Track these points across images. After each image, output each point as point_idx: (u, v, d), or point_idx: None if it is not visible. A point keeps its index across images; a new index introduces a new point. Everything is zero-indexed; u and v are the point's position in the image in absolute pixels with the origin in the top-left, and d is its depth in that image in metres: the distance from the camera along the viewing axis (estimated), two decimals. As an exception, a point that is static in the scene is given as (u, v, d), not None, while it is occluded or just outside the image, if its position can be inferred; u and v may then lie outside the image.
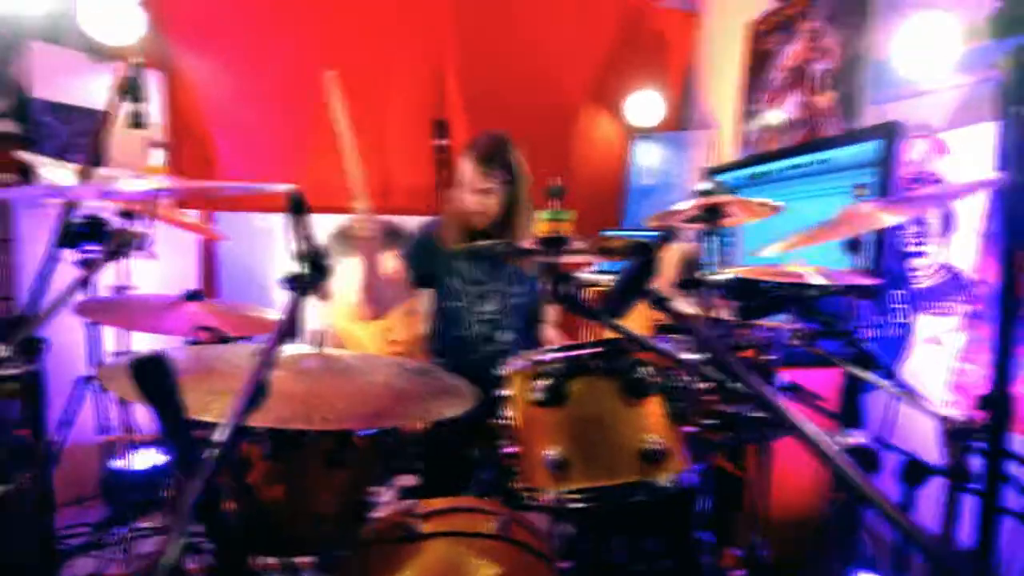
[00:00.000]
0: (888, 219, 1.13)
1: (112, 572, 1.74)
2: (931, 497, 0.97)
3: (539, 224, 0.82)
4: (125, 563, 1.72)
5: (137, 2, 2.24)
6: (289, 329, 0.66)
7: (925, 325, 1.81)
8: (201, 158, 2.63)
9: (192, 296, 1.42)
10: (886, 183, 1.80)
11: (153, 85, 2.45)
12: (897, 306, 1.89)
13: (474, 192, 1.66)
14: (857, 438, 0.51)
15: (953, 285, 1.72)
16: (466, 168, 1.68)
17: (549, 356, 0.91)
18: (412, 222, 2.90)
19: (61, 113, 2.24)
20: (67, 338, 1.36)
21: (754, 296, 0.99)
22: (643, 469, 0.84)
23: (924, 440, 1.13)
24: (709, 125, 3.12)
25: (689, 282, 0.81)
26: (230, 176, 2.67)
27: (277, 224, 2.71)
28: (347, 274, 2.80)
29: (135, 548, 1.78)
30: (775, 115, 2.57)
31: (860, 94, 2.11)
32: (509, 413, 0.99)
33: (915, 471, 1.13)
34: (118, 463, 2.10)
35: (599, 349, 0.72)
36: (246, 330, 1.39)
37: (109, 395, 2.02)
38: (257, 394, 0.52)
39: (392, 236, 2.49)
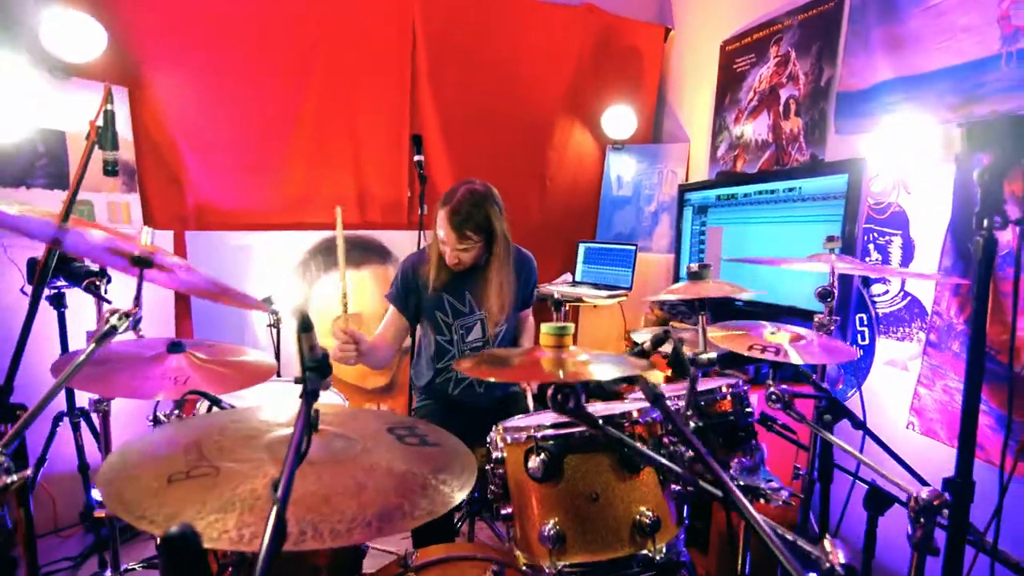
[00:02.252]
0: (847, 270, 1.20)
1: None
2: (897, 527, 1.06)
3: (545, 338, 0.84)
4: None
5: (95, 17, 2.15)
6: (305, 444, 0.68)
7: (886, 349, 1.93)
8: (168, 177, 2.55)
9: (174, 347, 1.39)
10: (851, 216, 1.89)
11: (117, 101, 2.36)
12: (860, 329, 2.00)
13: (453, 249, 1.67)
14: (839, 556, 0.55)
15: (912, 313, 1.84)
16: (442, 226, 1.65)
17: (543, 433, 0.95)
18: (388, 237, 2.90)
19: (20, 135, 2.13)
20: (42, 370, 1.33)
21: (737, 362, 1.06)
22: (637, 541, 0.89)
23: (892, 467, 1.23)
24: (681, 139, 3.19)
25: (680, 366, 0.84)
26: (199, 194, 2.60)
27: (252, 241, 2.66)
28: (327, 293, 2.79)
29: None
30: (744, 134, 2.65)
31: (825, 123, 2.19)
32: (502, 474, 1.03)
33: (878, 500, 1.23)
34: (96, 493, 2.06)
35: (595, 426, 0.76)
36: (236, 383, 1.37)
37: (83, 429, 1.98)
38: (279, 538, 0.54)
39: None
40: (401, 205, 2.94)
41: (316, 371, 0.77)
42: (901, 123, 1.84)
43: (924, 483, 0.97)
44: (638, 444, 0.81)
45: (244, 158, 2.64)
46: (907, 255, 1.85)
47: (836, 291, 1.27)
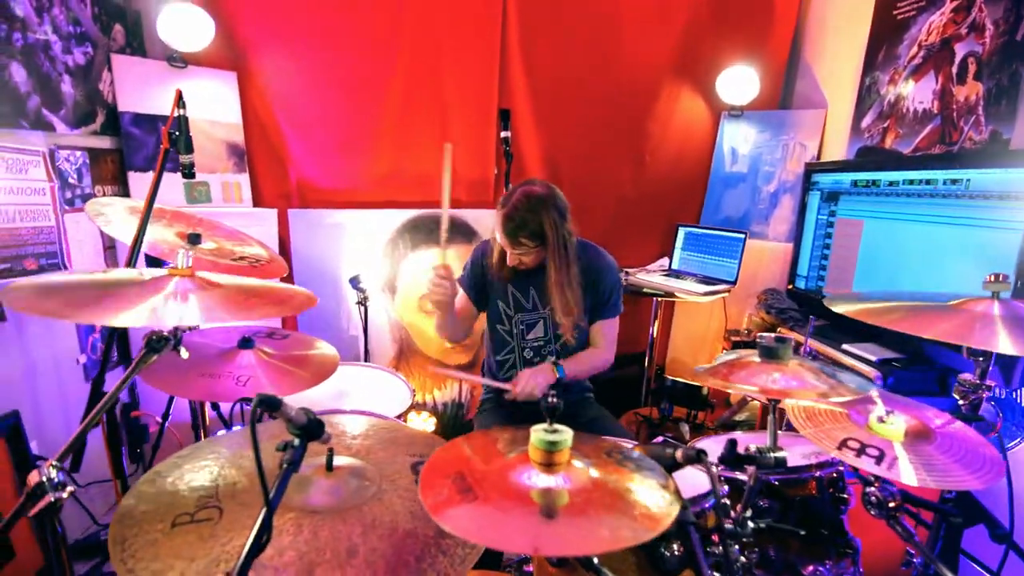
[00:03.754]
0: (1006, 346, 0.84)
1: None
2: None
3: (534, 452, 0.70)
4: None
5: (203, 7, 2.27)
6: (265, 539, 0.63)
7: (1068, 398, 1.48)
8: (273, 157, 2.69)
9: (244, 343, 1.46)
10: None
11: (228, 86, 2.52)
12: (1032, 368, 1.55)
13: (510, 253, 1.58)
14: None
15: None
16: (497, 229, 1.60)
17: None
18: (474, 216, 2.84)
19: (146, 124, 2.36)
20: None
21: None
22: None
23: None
24: (817, 104, 2.66)
25: (735, 460, 0.67)
26: (300, 172, 2.72)
27: (345, 219, 2.75)
28: (413, 270, 2.84)
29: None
30: (900, 98, 2.12)
31: (1018, 91, 1.66)
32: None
33: None
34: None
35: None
36: (299, 382, 1.40)
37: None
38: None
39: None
40: (488, 183, 2.85)
41: (302, 438, 0.73)
42: None
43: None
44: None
45: (338, 136, 2.70)
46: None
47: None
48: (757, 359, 0.86)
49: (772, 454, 0.72)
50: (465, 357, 3.00)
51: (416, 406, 2.64)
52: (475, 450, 0.81)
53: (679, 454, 0.66)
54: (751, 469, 0.73)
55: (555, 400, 0.67)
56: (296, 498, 0.87)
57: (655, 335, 2.79)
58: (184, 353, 1.05)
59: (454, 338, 1.84)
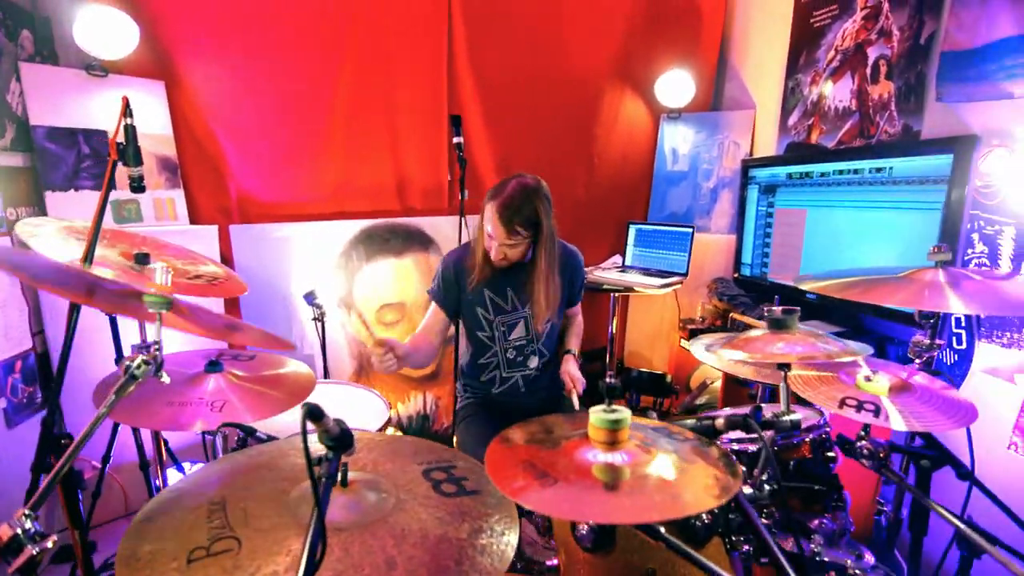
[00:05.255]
0: (957, 307, 0.97)
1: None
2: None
3: (595, 432, 0.72)
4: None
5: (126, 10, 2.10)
6: (320, 553, 0.60)
7: (987, 355, 1.68)
8: (210, 170, 2.53)
9: (211, 367, 1.37)
10: (955, 205, 1.62)
11: (155, 96, 2.34)
12: (956, 331, 1.75)
13: (500, 245, 1.57)
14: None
15: None
16: (490, 220, 1.59)
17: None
18: (429, 223, 2.81)
19: (64, 138, 2.15)
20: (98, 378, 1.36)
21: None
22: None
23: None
24: (746, 105, 2.88)
25: (747, 427, 0.71)
26: (240, 186, 2.57)
27: (292, 232, 2.63)
28: (370, 283, 2.75)
29: None
30: (822, 98, 2.34)
31: (923, 88, 1.88)
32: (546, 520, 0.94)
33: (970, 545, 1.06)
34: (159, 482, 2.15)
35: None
36: (275, 404, 1.33)
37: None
38: None
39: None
40: (442, 190, 2.83)
41: (336, 449, 0.69)
42: (1025, 90, 1.53)
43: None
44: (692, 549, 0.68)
45: (281, 146, 2.58)
46: (1021, 250, 1.58)
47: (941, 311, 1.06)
48: (758, 332, 0.93)
49: (787, 417, 0.77)
50: (427, 369, 2.94)
51: (383, 421, 2.56)
52: (527, 441, 0.84)
53: (720, 422, 0.70)
54: (769, 433, 0.77)
55: (613, 380, 0.69)
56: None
57: (614, 330, 2.88)
58: (165, 378, 0.96)
59: (424, 364, 1.80)
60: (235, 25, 2.37)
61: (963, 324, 1.74)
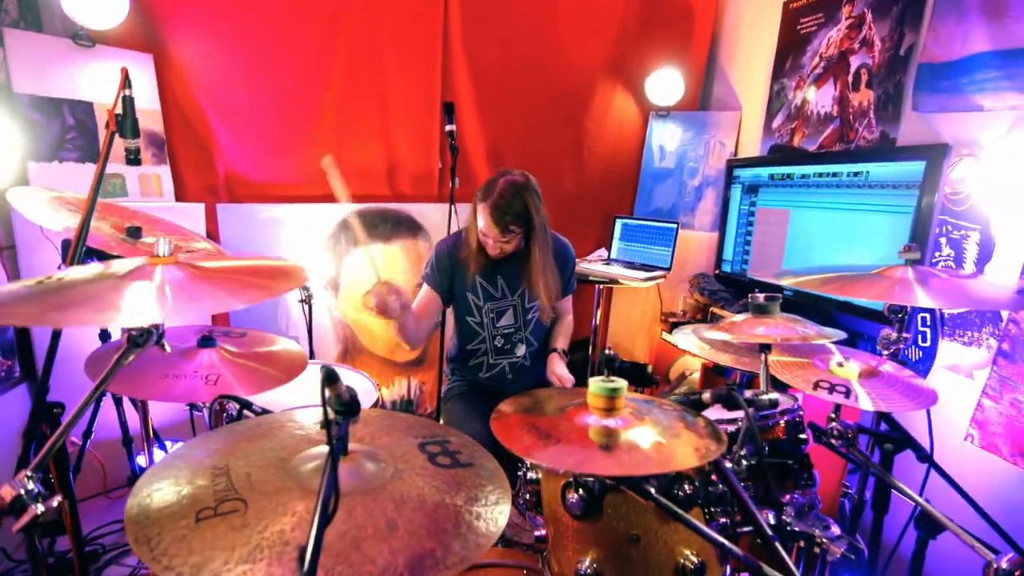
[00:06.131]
0: (924, 301, 1.05)
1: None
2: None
3: (594, 398, 0.77)
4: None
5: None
6: (332, 506, 0.64)
7: (949, 352, 1.79)
8: (198, 147, 2.50)
9: (204, 341, 1.37)
10: (925, 210, 1.71)
11: (142, 69, 2.30)
12: (921, 329, 1.86)
13: (494, 241, 1.61)
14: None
15: (985, 317, 1.68)
16: (484, 220, 1.62)
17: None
18: (419, 210, 2.82)
19: (48, 108, 2.10)
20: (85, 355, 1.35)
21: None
22: (680, 586, 0.84)
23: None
24: (732, 107, 2.95)
25: (731, 400, 0.76)
26: (229, 164, 2.55)
27: (282, 213, 2.62)
28: (356, 267, 2.76)
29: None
30: (805, 102, 2.42)
31: (901, 97, 1.97)
32: (536, 491, 0.99)
33: (932, 523, 1.15)
34: (141, 458, 2.14)
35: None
36: (269, 380, 1.35)
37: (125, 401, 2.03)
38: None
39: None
40: (432, 177, 2.84)
41: (344, 415, 0.73)
42: (995, 104, 1.62)
43: (1005, 535, 0.88)
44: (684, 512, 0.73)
45: (272, 126, 2.56)
46: (985, 254, 1.68)
47: (910, 307, 1.14)
48: (740, 317, 0.99)
49: (766, 396, 0.83)
50: (414, 352, 2.97)
51: (368, 404, 2.58)
52: (528, 410, 0.91)
53: (706, 396, 0.75)
54: (750, 411, 0.83)
55: (613, 352, 0.74)
56: (318, 484, 0.86)
57: (598, 321, 2.94)
58: (167, 347, 0.98)
59: (417, 341, 1.79)
60: (228, 1, 2.34)
61: (928, 323, 1.84)
